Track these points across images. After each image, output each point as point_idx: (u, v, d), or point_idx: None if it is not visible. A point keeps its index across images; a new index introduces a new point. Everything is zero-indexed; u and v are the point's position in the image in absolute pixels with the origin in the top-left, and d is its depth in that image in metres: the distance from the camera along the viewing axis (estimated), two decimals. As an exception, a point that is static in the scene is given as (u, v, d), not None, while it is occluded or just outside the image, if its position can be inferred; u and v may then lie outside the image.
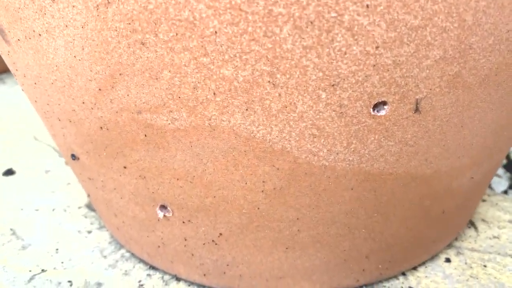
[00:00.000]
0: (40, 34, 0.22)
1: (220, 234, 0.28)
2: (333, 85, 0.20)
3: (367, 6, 0.18)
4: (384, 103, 0.21)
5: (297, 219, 0.26)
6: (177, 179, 0.25)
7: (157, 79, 0.21)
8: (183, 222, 0.28)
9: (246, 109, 0.21)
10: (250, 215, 0.26)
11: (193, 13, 0.18)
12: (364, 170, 0.24)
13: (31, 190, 0.46)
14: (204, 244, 0.29)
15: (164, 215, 0.28)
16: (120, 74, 0.21)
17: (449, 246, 0.36)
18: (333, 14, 0.18)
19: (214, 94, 0.21)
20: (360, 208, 0.26)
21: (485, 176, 0.31)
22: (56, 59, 0.23)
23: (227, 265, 0.30)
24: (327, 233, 0.27)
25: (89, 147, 0.27)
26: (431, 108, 0.22)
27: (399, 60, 0.20)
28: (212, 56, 0.19)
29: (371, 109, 0.21)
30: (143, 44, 0.20)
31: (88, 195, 0.34)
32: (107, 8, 0.19)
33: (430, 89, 0.21)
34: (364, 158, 0.23)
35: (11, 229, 0.40)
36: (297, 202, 0.25)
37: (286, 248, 0.28)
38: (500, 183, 0.46)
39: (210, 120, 0.22)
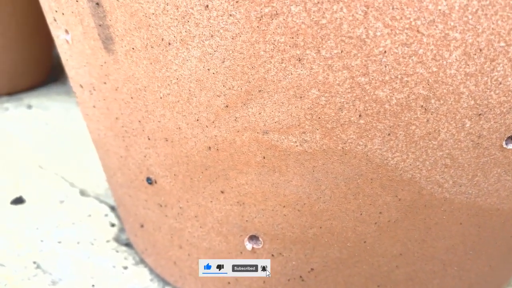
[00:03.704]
0: (169, 43, 0.21)
1: (312, 269, 0.26)
2: (479, 115, 0.20)
3: (534, 38, 0.18)
4: (514, 136, 0.22)
5: (400, 254, 0.25)
6: (284, 207, 0.24)
7: (301, 97, 0.20)
8: (272, 255, 0.26)
9: (388, 134, 0.20)
10: (354, 249, 0.25)
11: (368, 30, 0.18)
12: (478, 204, 0.24)
13: (47, 221, 0.42)
14: (288, 280, 0.27)
15: (252, 247, 0.26)
16: (260, 91, 0.20)
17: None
18: (502, 44, 0.18)
19: (359, 116, 0.20)
20: (461, 244, 0.26)
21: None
22: (180, 71, 0.21)
23: (307, 304, 0.28)
24: (422, 269, 0.26)
25: (180, 169, 0.25)
26: (550, 145, 0.23)
27: (542, 94, 0.20)
28: (372, 76, 0.19)
29: (504, 142, 0.22)
30: (299, 60, 0.19)
31: (142, 226, 0.32)
32: (272, 19, 0.18)
33: (555, 126, 0.22)
34: (481, 192, 0.23)
35: (34, 262, 0.36)
36: (406, 236, 0.24)
37: (378, 286, 0.27)
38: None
39: (345, 143, 0.21)
